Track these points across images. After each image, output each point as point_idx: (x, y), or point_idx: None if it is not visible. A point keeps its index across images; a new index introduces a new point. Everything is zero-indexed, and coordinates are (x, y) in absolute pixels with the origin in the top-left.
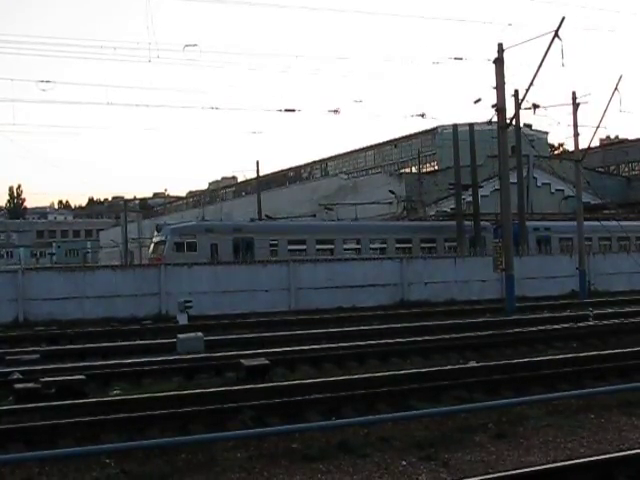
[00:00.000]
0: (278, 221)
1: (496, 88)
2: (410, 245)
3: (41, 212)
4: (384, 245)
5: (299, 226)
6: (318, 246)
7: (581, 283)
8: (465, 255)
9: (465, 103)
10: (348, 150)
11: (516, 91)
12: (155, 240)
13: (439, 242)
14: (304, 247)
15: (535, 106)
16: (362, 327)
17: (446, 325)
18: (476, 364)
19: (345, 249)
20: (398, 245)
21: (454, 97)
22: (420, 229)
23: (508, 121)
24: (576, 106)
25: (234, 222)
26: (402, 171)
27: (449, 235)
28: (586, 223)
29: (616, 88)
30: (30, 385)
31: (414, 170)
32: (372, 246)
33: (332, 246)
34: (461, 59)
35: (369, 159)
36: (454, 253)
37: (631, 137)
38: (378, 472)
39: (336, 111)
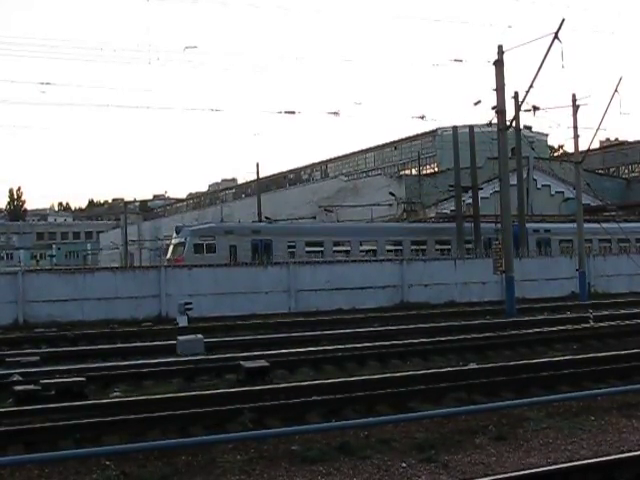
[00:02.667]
0: (296, 223)
1: (496, 90)
2: (425, 247)
3: (41, 214)
4: (400, 247)
5: (316, 228)
6: (335, 248)
7: (581, 285)
8: (465, 257)
9: (465, 105)
10: (348, 152)
11: (516, 93)
12: (174, 242)
13: (453, 244)
14: (321, 249)
15: (535, 108)
16: (362, 329)
17: (446, 327)
18: (476, 366)
19: (361, 251)
20: (413, 247)
21: (454, 99)
22: (435, 231)
23: (508, 123)
24: (576, 108)
25: (253, 224)
26: (402, 173)
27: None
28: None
29: (616, 90)
30: (30, 387)
31: (414, 172)
32: (388, 248)
33: (349, 248)
34: (461, 61)
35: (369, 161)
36: (468, 255)
37: (631, 139)
38: (378, 474)
39: (336, 113)
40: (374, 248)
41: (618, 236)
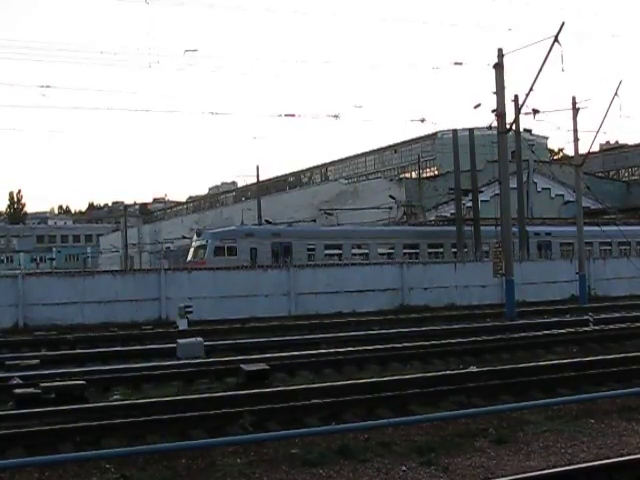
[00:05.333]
0: (315, 226)
1: (496, 93)
2: (442, 250)
3: (41, 217)
4: (416, 250)
5: (335, 231)
6: (353, 250)
7: (581, 288)
8: (465, 260)
9: (465, 108)
10: (348, 155)
11: (516, 96)
12: (195, 245)
13: (469, 246)
14: (340, 252)
15: (535, 111)
16: (362, 332)
17: (446, 330)
18: (476, 369)
19: (380, 254)
20: (430, 250)
21: (454, 102)
22: (451, 234)
23: (508, 126)
24: (576, 111)
25: (273, 227)
26: (402, 176)
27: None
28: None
29: (616, 93)
30: (30, 390)
31: (414, 175)
32: (405, 251)
33: (367, 250)
34: (461, 64)
35: (369, 164)
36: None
37: (631, 142)
38: (378, 477)
39: (336, 116)
40: (391, 251)
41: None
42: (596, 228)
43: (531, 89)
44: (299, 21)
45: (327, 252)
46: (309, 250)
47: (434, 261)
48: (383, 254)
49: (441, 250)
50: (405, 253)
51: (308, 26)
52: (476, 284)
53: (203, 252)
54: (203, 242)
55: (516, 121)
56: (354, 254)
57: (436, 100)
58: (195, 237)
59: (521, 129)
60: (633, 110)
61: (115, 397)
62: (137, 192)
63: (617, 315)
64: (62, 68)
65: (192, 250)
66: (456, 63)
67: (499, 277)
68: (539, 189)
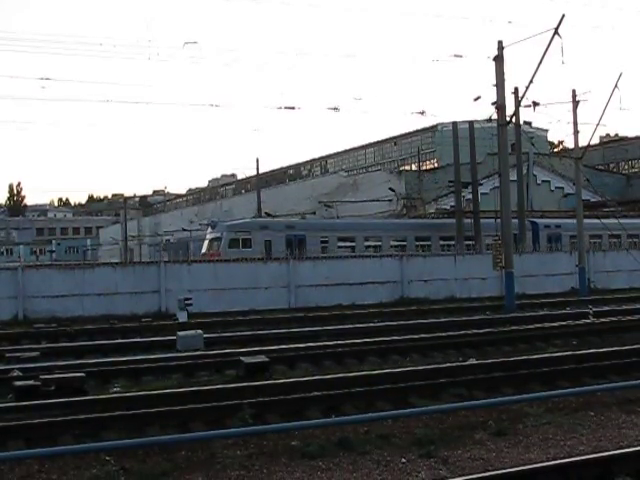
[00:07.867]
0: (329, 219)
1: (496, 86)
2: (453, 242)
3: (41, 209)
4: (429, 242)
5: (349, 224)
6: (366, 243)
7: (581, 281)
8: (465, 252)
9: (465, 101)
10: (348, 147)
11: (516, 89)
12: (209, 237)
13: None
14: (353, 244)
15: (535, 104)
16: (361, 324)
17: (446, 322)
18: (475, 362)
19: (392, 246)
20: (442, 242)
21: (454, 94)
22: (464, 227)
23: (508, 119)
24: (576, 104)
25: (287, 219)
26: (402, 169)
27: (489, 232)
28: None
29: (616, 86)
30: (30, 382)
31: (414, 167)
32: (417, 243)
33: (380, 243)
34: (461, 57)
35: (369, 156)
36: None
37: (631, 135)
38: (378, 469)
39: (336, 108)
40: (404, 243)
41: (628, 232)
42: (606, 221)
43: (531, 81)
44: (299, 13)
45: (340, 244)
46: (322, 242)
47: (434, 253)
48: (396, 246)
49: (452, 242)
50: (417, 245)
51: (308, 18)
52: (476, 276)
53: (218, 244)
54: (218, 234)
55: (516, 113)
56: (367, 246)
57: (436, 92)
58: (210, 229)
59: (521, 121)
60: (633, 103)
61: (115, 390)
62: (137, 184)
63: (617, 308)
64: (62, 60)
65: (206, 242)
66: (456, 55)
67: (499, 270)
68: (539, 182)
